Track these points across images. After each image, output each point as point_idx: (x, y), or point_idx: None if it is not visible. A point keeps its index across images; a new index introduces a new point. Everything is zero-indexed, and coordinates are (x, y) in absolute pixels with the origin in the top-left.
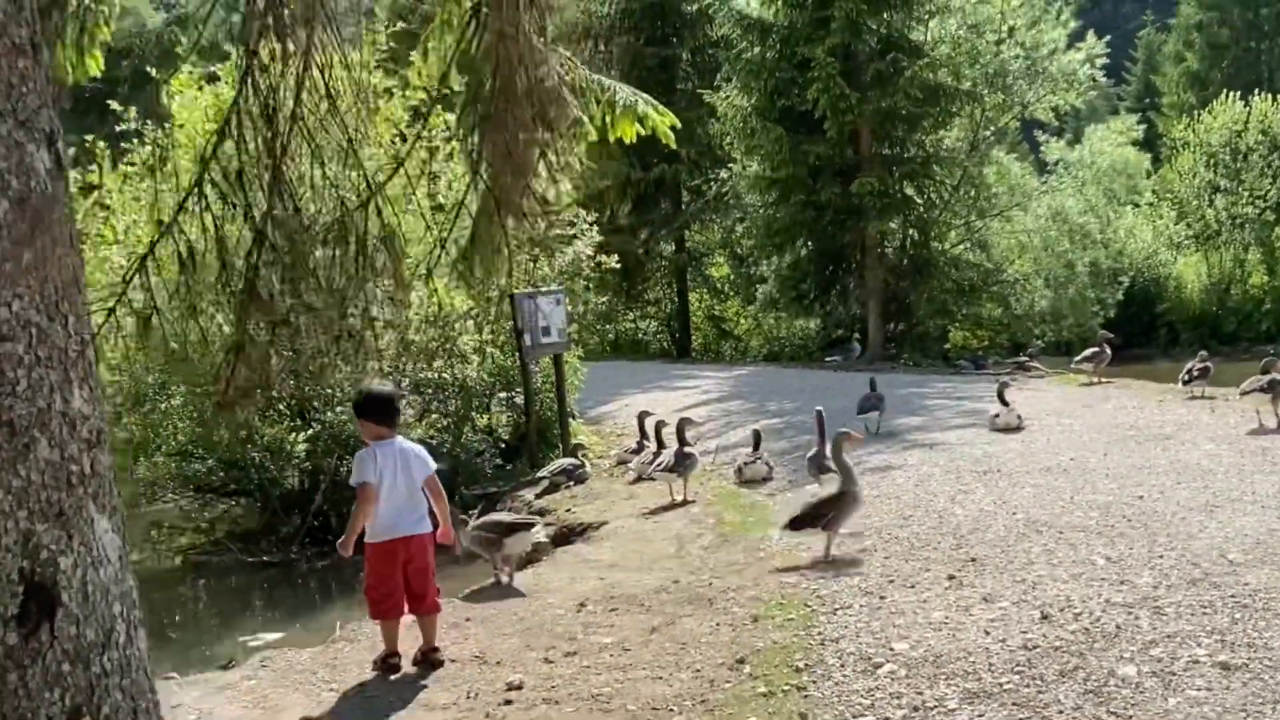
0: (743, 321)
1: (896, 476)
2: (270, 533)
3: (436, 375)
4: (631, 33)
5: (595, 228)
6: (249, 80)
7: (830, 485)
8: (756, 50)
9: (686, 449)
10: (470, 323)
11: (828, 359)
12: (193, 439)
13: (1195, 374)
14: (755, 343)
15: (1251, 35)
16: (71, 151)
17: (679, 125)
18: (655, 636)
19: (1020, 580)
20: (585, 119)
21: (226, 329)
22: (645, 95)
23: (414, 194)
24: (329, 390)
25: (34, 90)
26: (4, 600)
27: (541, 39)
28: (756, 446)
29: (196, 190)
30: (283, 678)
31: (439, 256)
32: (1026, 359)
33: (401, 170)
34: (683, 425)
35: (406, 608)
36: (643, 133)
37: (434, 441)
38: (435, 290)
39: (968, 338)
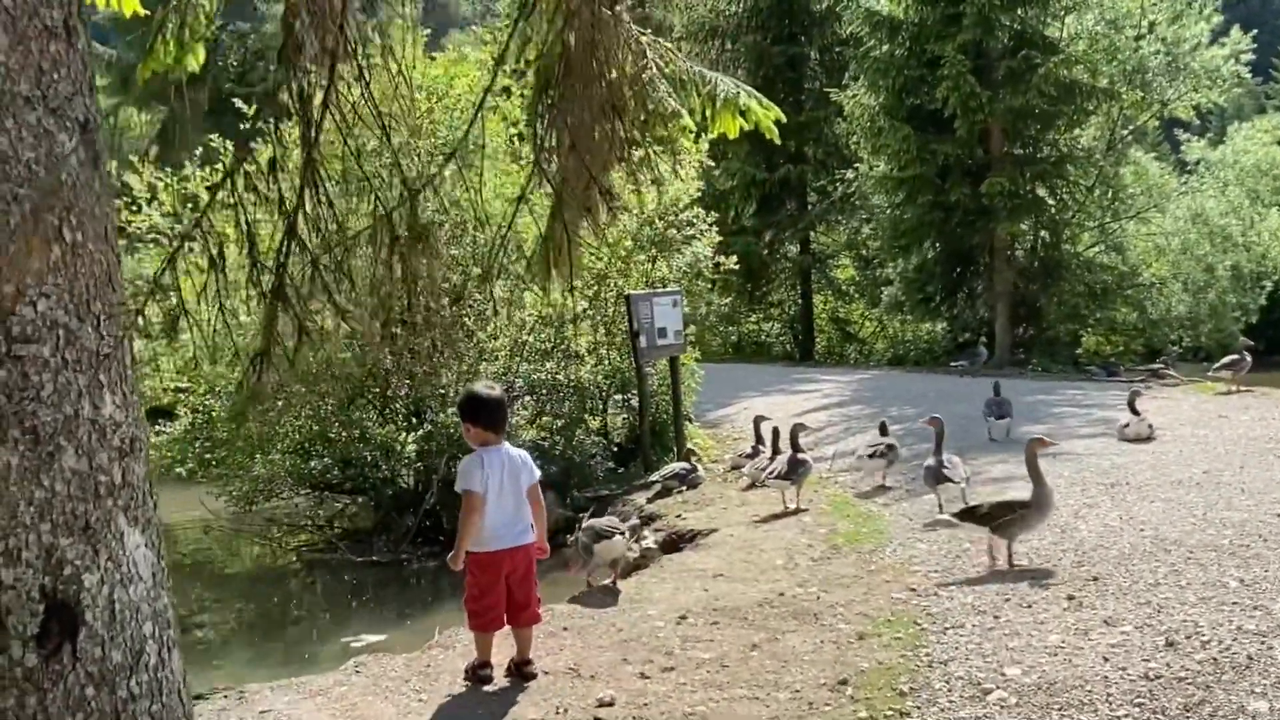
0: (867, 324)
1: (1019, 488)
2: (383, 532)
3: (550, 376)
4: (759, 31)
5: (715, 228)
6: (283, 59)
7: (946, 496)
8: (885, 48)
9: (800, 455)
10: (585, 323)
11: (953, 364)
12: (310, 437)
13: None
14: (880, 346)
15: None
16: (199, 151)
17: (783, 119)
18: (756, 653)
19: (1145, 603)
20: (684, 112)
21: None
22: (749, 88)
23: (472, 187)
24: (442, 390)
25: (67, 76)
26: (24, 619)
27: (616, 15)
28: (884, 433)
29: (229, 181)
30: (374, 685)
31: (497, 255)
32: (1161, 365)
33: (464, 163)
34: (796, 431)
35: (506, 619)
36: (745, 127)
37: (545, 443)
38: (548, 290)
39: (1101, 343)
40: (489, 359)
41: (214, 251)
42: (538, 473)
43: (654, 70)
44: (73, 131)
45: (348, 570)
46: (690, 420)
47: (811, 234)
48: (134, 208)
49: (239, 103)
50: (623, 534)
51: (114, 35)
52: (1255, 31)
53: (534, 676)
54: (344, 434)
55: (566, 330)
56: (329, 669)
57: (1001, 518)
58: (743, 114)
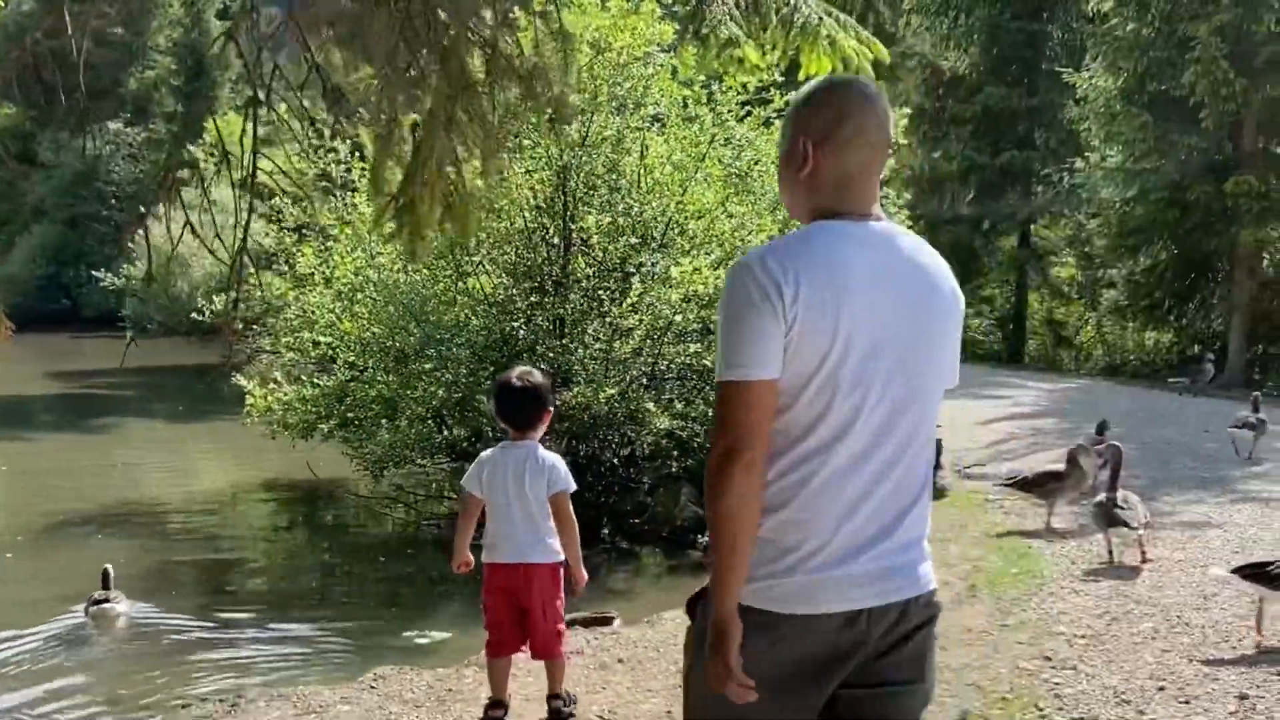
0: (1086, 329)
1: (1211, 538)
2: None
3: (694, 360)
4: (996, 4)
5: (904, 210)
6: None
7: (1118, 541)
8: (1131, 26)
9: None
10: None
11: (1172, 380)
12: (444, 404)
13: None
14: (1097, 353)
15: None
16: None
17: (885, 58)
18: None
19: None
20: (743, 38)
21: None
22: (846, 18)
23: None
24: (576, 368)
25: None
26: None
27: None
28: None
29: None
30: (380, 707)
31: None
32: None
33: None
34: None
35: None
36: (837, 68)
37: (684, 434)
38: (699, 268)
39: None
40: (623, 338)
41: None
42: (567, 485)
43: None
44: None
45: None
46: None
47: (1032, 227)
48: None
49: None
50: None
51: None
52: None
53: (562, 717)
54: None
55: (713, 312)
56: (369, 669)
57: None
58: (831, 45)
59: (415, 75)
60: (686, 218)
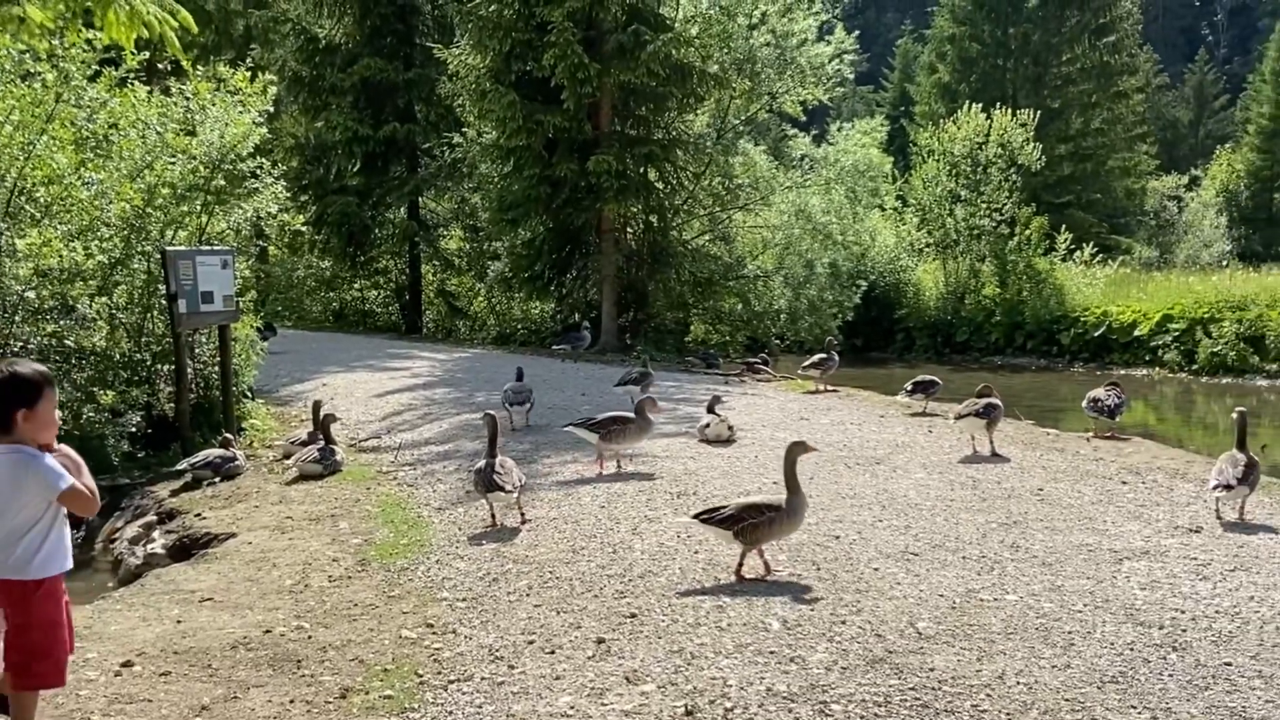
0: (477, 299)
1: (583, 494)
2: None
3: (54, 341)
4: None
5: (281, 181)
6: None
7: (499, 505)
8: (493, 7)
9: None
10: (94, 281)
11: (555, 347)
12: None
13: (913, 388)
14: (490, 322)
15: (999, 52)
16: None
17: (192, 28)
18: None
19: (677, 650)
20: None
21: None
22: None
23: None
24: None
25: None
26: None
27: None
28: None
29: None
30: None
31: None
32: (759, 360)
33: None
34: (328, 420)
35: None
36: (146, 35)
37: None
38: (49, 240)
39: (709, 331)
40: None
41: None
42: (59, 483)
43: None
44: None
45: None
46: (250, 397)
47: (420, 199)
48: None
49: None
50: None
51: None
52: (857, 41)
53: None
54: None
55: (73, 288)
56: None
57: (747, 521)
58: (130, 11)
59: None
60: (34, 184)
